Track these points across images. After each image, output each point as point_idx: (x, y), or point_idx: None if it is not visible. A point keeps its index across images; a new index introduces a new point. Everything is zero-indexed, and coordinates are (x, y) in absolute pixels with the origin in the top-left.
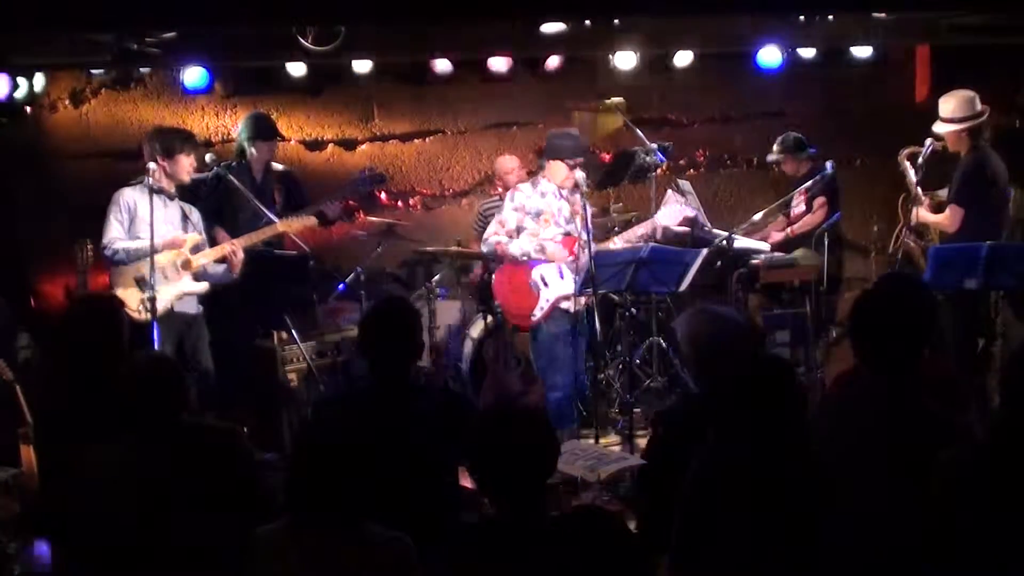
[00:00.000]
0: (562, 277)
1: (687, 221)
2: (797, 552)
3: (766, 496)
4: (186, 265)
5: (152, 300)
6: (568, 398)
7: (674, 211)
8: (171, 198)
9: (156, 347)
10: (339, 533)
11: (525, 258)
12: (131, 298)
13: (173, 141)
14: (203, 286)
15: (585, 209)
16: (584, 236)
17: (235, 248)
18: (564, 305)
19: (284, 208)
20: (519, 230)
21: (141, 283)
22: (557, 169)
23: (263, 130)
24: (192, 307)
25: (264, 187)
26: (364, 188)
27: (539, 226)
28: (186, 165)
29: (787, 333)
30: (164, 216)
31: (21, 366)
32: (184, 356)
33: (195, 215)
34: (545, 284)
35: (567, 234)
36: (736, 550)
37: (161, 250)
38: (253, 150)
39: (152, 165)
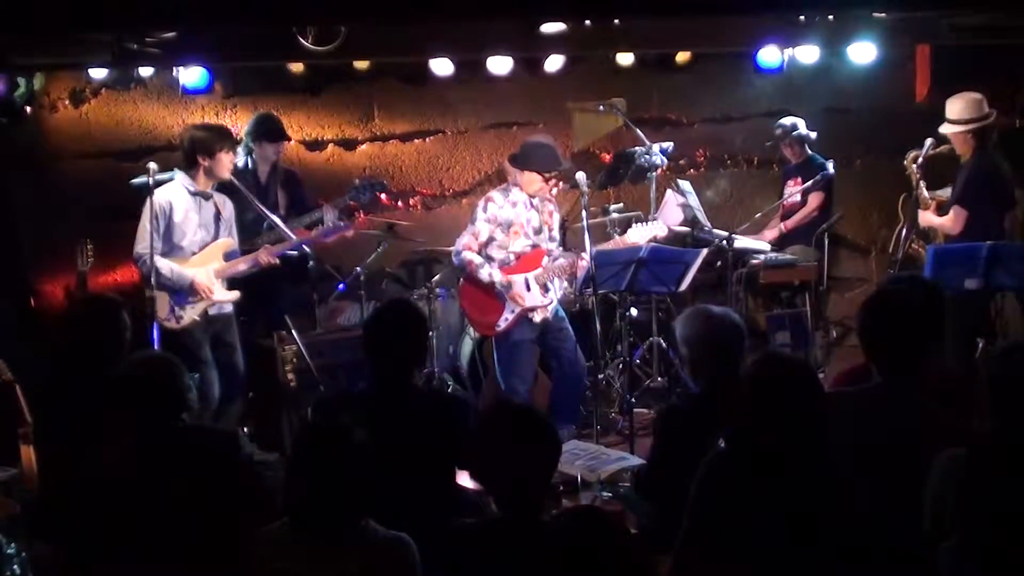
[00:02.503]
0: (529, 290)
1: (685, 222)
2: (805, 552)
3: (779, 496)
4: (219, 273)
5: (151, 311)
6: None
7: (648, 229)
8: (207, 198)
9: (156, 348)
10: (339, 533)
11: (490, 284)
12: (163, 305)
13: (212, 140)
14: (235, 294)
15: (554, 215)
16: (550, 246)
17: (270, 258)
18: (529, 315)
19: (287, 210)
20: (490, 240)
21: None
22: (531, 179)
23: (270, 131)
24: (228, 307)
25: (268, 189)
26: (364, 196)
27: (508, 238)
28: (226, 163)
29: (787, 333)
30: (199, 219)
31: (21, 366)
32: (218, 356)
33: (227, 208)
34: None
35: (535, 246)
36: (746, 549)
37: (188, 288)
38: (259, 151)
39: (152, 165)
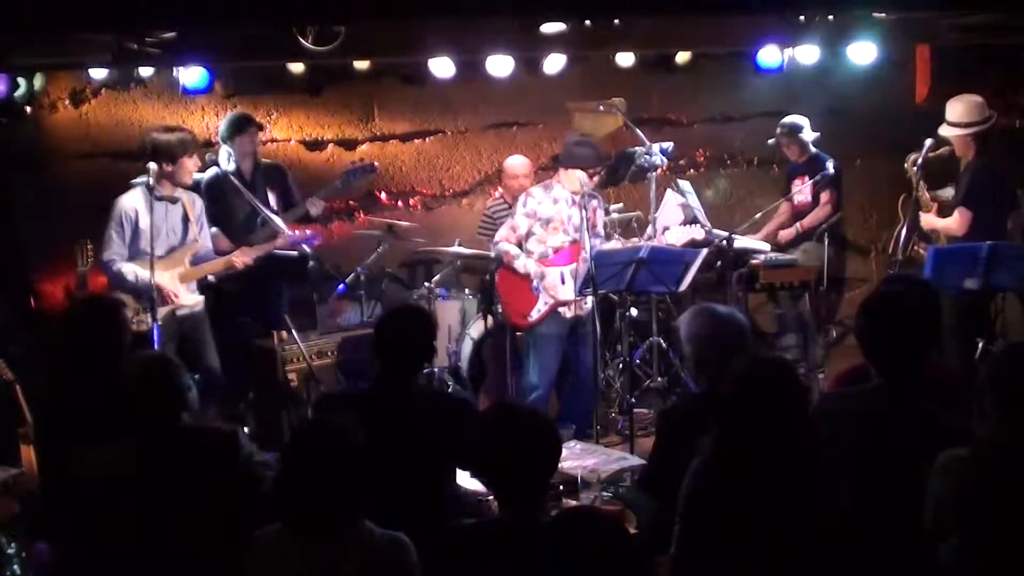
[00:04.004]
0: (563, 283)
1: (685, 222)
2: (799, 552)
3: (768, 496)
4: (185, 277)
5: (153, 309)
6: (545, 400)
7: (680, 232)
8: (173, 201)
9: (156, 348)
10: (337, 534)
11: (525, 275)
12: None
13: (175, 145)
14: (199, 298)
15: (598, 211)
16: (595, 242)
17: (245, 259)
18: (560, 310)
19: (278, 207)
20: (528, 235)
21: (139, 296)
22: (574, 177)
23: (240, 123)
24: (198, 307)
25: (255, 185)
26: (355, 179)
27: (547, 233)
28: (190, 167)
29: (794, 336)
30: (165, 224)
31: (21, 366)
32: (186, 355)
33: (197, 207)
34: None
35: (575, 242)
36: (739, 550)
37: (154, 292)
38: (236, 148)
39: (152, 165)
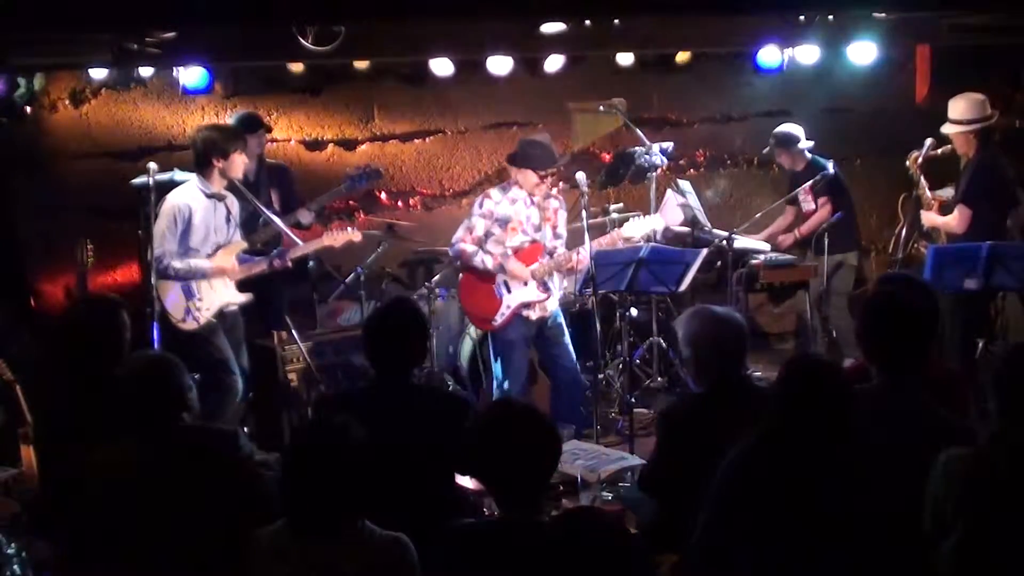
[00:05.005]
0: (525, 284)
1: (685, 222)
2: (832, 554)
3: (805, 497)
4: (231, 275)
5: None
6: None
7: (646, 223)
8: (220, 199)
9: (156, 347)
10: (337, 534)
11: (485, 271)
12: (177, 308)
13: (227, 141)
14: (248, 296)
15: (559, 212)
16: (552, 243)
17: (286, 263)
18: (525, 312)
19: (281, 207)
20: (487, 236)
21: (187, 293)
22: (527, 177)
23: (249, 124)
24: (236, 305)
25: (258, 184)
26: (359, 184)
27: (505, 234)
28: (239, 163)
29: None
30: (214, 222)
31: (21, 366)
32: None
33: (235, 208)
34: (508, 290)
35: (534, 242)
36: (768, 550)
37: (211, 277)
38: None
39: (153, 165)
